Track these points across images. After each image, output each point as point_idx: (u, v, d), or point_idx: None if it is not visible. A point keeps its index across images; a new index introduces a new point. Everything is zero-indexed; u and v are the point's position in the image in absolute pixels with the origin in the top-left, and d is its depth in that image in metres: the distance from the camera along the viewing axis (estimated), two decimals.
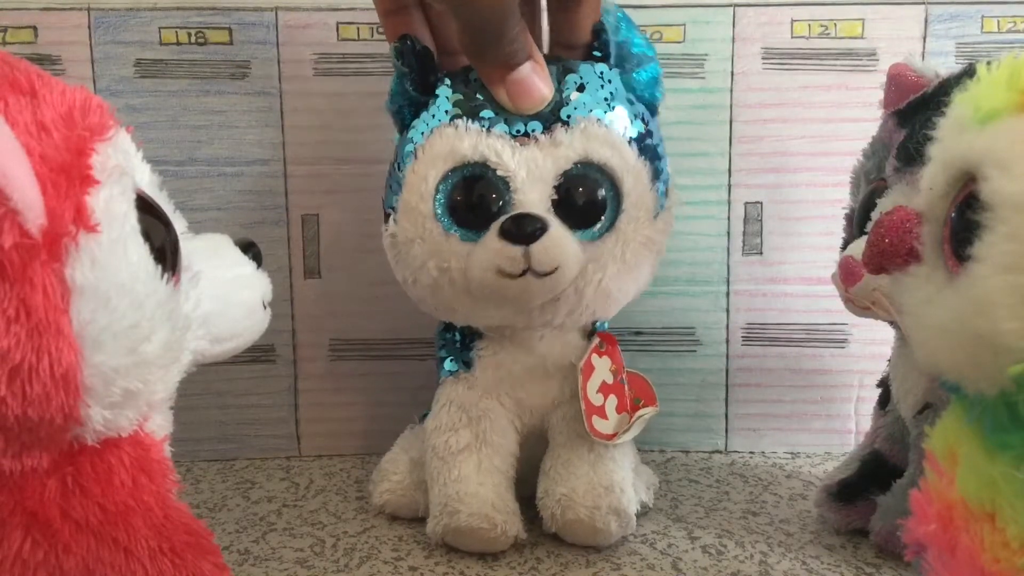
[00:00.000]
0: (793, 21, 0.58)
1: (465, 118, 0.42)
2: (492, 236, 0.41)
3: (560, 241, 0.41)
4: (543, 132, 0.42)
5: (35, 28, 0.56)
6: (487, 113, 0.42)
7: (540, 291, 0.42)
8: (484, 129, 0.42)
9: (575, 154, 0.42)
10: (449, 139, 0.42)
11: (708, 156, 0.59)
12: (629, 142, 0.43)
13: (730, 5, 0.58)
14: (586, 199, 0.42)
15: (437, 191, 0.42)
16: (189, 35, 0.57)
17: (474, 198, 0.42)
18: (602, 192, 0.43)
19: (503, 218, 0.41)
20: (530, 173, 0.41)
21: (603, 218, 0.43)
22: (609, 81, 0.43)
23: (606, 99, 0.43)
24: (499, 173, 0.41)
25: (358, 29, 0.57)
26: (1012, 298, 0.21)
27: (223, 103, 0.58)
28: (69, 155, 0.25)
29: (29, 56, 0.53)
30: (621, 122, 0.43)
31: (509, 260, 0.40)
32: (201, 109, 0.58)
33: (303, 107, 0.58)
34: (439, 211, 0.43)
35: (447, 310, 0.45)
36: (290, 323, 0.60)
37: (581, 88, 0.42)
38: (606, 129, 0.42)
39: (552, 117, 0.42)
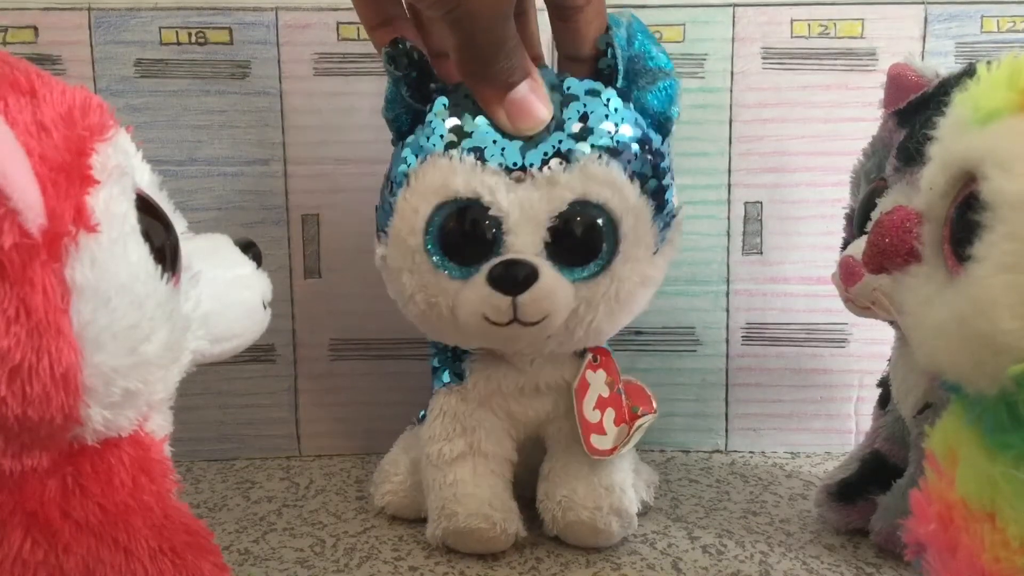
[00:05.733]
0: (793, 21, 0.58)
1: (460, 148, 0.40)
2: (481, 281, 0.39)
3: (549, 290, 0.39)
4: (540, 167, 0.40)
5: (35, 28, 0.56)
6: (483, 142, 0.40)
7: (527, 337, 0.41)
8: (479, 162, 0.40)
9: (572, 194, 0.40)
10: (443, 171, 0.40)
11: (708, 156, 0.59)
12: (632, 178, 0.40)
13: (730, 5, 0.58)
14: (581, 240, 0.40)
15: (428, 225, 0.41)
16: (189, 35, 0.57)
17: (465, 235, 0.41)
18: (598, 233, 0.40)
19: (493, 263, 0.39)
20: (524, 213, 0.40)
21: (598, 257, 0.41)
22: (615, 110, 0.41)
23: (609, 132, 0.40)
24: (492, 212, 0.40)
25: (358, 29, 0.57)
26: (1012, 298, 0.21)
27: (223, 103, 0.58)
28: (69, 155, 0.25)
29: (29, 56, 0.53)
30: (625, 157, 0.40)
31: (495, 310, 0.39)
32: (201, 109, 0.58)
33: (303, 107, 0.58)
34: (429, 246, 0.41)
35: (437, 336, 0.45)
36: (290, 323, 0.60)
37: (584, 118, 0.40)
38: (607, 168, 0.40)
39: (551, 150, 0.40)
